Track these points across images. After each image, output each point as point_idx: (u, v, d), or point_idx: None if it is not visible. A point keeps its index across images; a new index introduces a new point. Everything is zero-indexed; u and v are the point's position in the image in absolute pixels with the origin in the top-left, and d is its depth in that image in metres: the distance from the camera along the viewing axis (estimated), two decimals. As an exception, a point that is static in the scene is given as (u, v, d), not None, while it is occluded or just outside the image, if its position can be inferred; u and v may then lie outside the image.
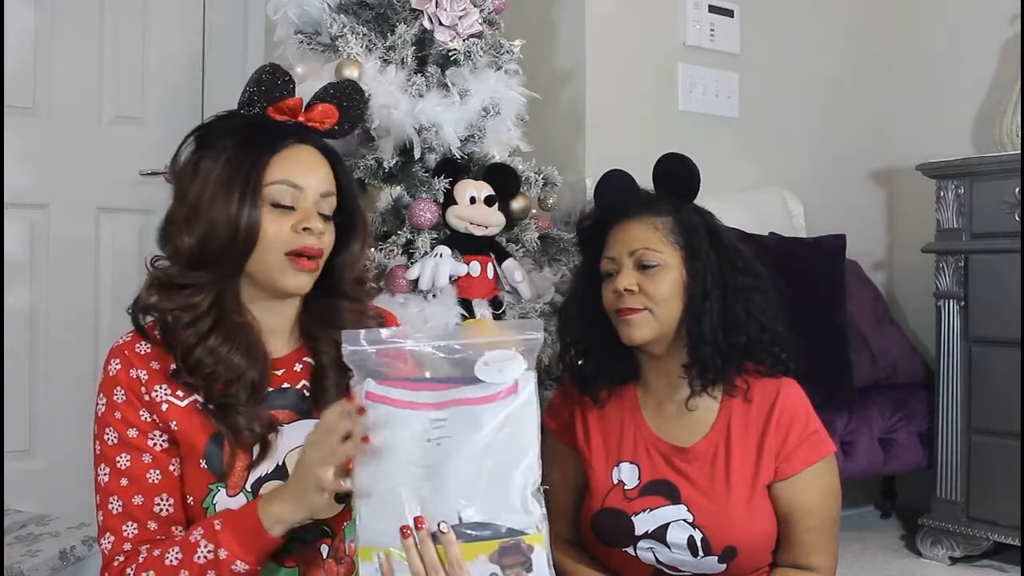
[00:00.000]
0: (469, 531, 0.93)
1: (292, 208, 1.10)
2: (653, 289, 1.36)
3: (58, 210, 2.47)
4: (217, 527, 1.01)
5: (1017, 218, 2.26)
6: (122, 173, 2.54)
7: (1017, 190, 2.26)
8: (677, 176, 1.44)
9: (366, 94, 1.25)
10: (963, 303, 2.36)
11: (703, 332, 1.35)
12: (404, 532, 0.93)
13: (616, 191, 1.48)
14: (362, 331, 0.97)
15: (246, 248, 1.09)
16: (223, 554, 1.00)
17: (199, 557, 1.00)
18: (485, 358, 0.96)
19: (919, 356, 2.70)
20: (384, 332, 0.98)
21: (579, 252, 1.56)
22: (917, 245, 2.53)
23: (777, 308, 1.41)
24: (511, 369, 0.96)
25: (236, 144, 1.10)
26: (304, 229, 1.09)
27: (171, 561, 1.01)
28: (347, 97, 1.19)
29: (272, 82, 1.12)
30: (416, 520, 0.93)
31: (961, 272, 2.36)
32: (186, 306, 1.08)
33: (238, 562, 1.00)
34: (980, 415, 2.32)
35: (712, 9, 2.68)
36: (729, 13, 2.72)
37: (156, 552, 1.03)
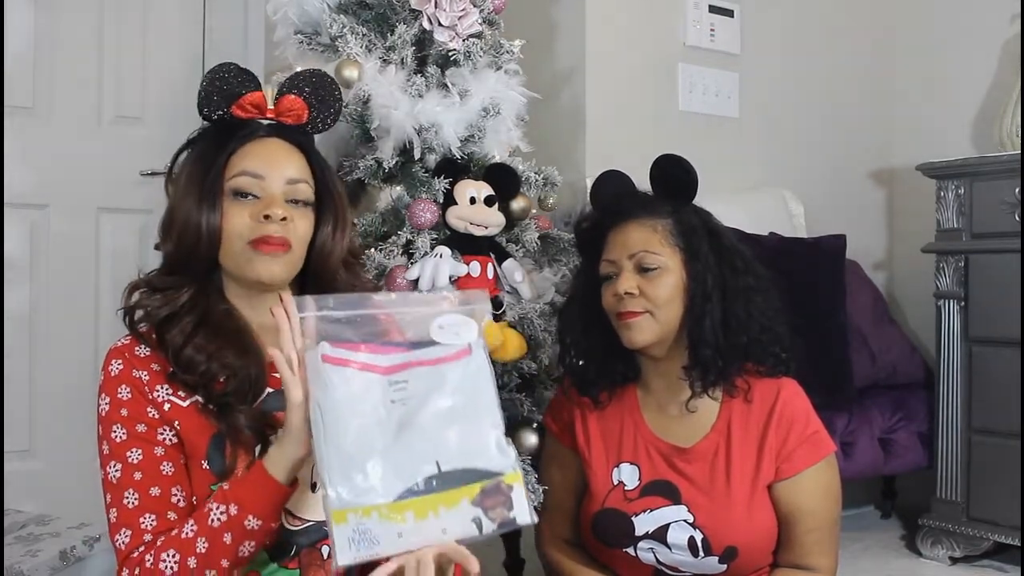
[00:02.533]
0: (450, 478, 0.94)
1: (257, 198, 1.11)
2: (653, 292, 1.35)
3: (58, 210, 2.47)
4: (225, 487, 1.02)
5: (1017, 218, 2.26)
6: (122, 173, 2.54)
7: (1017, 190, 2.26)
8: (674, 178, 1.43)
9: (334, 79, 1.23)
10: (963, 303, 2.36)
11: (704, 334, 1.35)
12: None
13: (612, 193, 1.48)
14: (311, 297, 0.97)
15: (210, 249, 1.11)
16: (234, 509, 0.99)
17: (213, 520, 1.00)
18: (439, 321, 0.99)
19: (919, 356, 2.70)
20: (333, 298, 0.98)
21: (578, 254, 1.56)
22: (917, 245, 2.52)
23: (777, 308, 1.40)
24: (465, 333, 1.00)
25: (200, 149, 1.14)
26: (265, 217, 1.09)
27: (187, 534, 1.01)
28: (307, 83, 1.18)
29: (226, 80, 1.12)
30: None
31: (961, 272, 2.36)
32: (164, 302, 1.11)
33: (250, 517, 0.99)
34: (980, 415, 2.32)
35: (712, 9, 2.67)
36: (729, 13, 2.71)
37: (173, 532, 1.03)
